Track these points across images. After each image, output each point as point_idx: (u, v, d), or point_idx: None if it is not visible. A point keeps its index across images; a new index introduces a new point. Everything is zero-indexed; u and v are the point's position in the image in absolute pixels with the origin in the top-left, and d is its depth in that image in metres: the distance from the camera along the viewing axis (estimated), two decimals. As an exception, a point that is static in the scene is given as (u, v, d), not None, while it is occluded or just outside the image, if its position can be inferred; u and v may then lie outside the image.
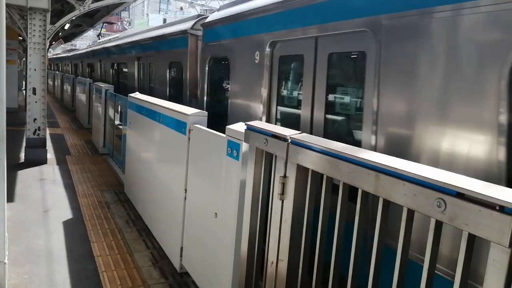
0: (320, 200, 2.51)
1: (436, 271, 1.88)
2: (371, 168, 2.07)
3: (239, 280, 3.25)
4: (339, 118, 4.15)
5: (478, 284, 2.35)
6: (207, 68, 6.88)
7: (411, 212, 1.93)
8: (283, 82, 5.04)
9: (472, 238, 1.65)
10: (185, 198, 4.45)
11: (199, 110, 4.46)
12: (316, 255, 2.54)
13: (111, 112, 10.12)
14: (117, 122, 9.49)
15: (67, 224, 5.81)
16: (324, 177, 2.45)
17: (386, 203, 2.06)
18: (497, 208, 1.50)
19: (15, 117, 14.48)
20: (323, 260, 2.54)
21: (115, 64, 15.09)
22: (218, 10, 7.36)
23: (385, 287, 2.12)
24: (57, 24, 10.24)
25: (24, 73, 19.81)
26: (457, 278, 1.69)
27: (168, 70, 9.06)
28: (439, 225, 1.79)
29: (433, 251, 1.82)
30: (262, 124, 3.07)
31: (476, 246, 1.68)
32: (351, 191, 2.32)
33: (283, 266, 2.75)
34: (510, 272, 1.48)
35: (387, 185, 1.98)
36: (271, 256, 2.88)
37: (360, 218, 2.24)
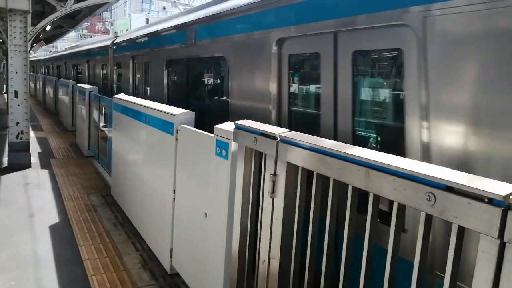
0: (311, 197, 2.53)
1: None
2: (361, 164, 2.09)
3: (231, 279, 3.25)
4: None
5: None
6: None
7: (401, 207, 1.95)
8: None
9: (462, 230, 1.68)
10: (174, 198, 4.42)
11: (186, 110, 4.43)
12: (308, 253, 2.56)
13: (95, 114, 9.99)
14: (102, 124, 9.36)
15: (53, 229, 5.72)
16: (315, 174, 2.46)
17: (376, 198, 2.09)
18: (486, 200, 1.53)
19: (-3, 121, 14.22)
20: (315, 258, 2.56)
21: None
22: None
23: (377, 284, 2.14)
24: (38, 26, 10.07)
25: (4, 76, 19.44)
26: (448, 270, 1.72)
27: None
28: (429, 218, 1.82)
29: (424, 244, 1.85)
30: (250, 123, 3.07)
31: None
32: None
33: (275, 264, 2.76)
34: (500, 262, 1.52)
35: (377, 180, 2.00)
36: (263, 255, 2.88)
37: (351, 214, 2.26)
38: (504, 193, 1.49)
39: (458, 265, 1.73)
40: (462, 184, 1.62)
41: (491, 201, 1.52)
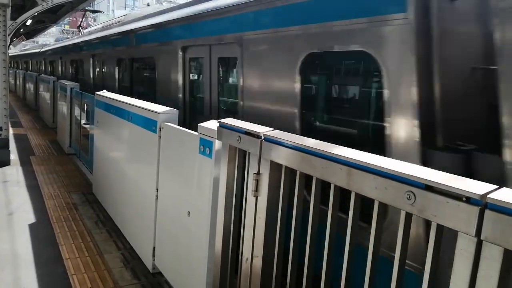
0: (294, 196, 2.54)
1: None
2: (343, 163, 2.11)
3: (214, 278, 3.24)
4: None
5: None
6: None
7: (382, 205, 1.98)
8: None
9: (440, 228, 1.71)
10: (157, 197, 4.39)
11: (170, 108, 4.41)
12: (290, 251, 2.57)
13: (77, 110, 9.83)
14: (83, 121, 9.23)
15: (33, 227, 5.62)
16: (298, 173, 2.48)
17: (358, 197, 2.11)
18: (464, 199, 1.57)
19: (-26, 117, 13.84)
20: (297, 256, 2.57)
21: None
22: None
23: (358, 281, 2.17)
24: (18, 20, 9.85)
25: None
26: (427, 267, 1.76)
27: None
28: (409, 217, 1.85)
29: (404, 242, 1.88)
30: (234, 121, 3.07)
31: None
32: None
33: (258, 262, 2.77)
34: (477, 260, 1.55)
35: (358, 179, 2.02)
36: (246, 253, 2.89)
37: (333, 213, 2.28)
38: (481, 192, 1.53)
39: (437, 262, 1.76)
40: (440, 183, 1.65)
41: (468, 200, 1.55)
